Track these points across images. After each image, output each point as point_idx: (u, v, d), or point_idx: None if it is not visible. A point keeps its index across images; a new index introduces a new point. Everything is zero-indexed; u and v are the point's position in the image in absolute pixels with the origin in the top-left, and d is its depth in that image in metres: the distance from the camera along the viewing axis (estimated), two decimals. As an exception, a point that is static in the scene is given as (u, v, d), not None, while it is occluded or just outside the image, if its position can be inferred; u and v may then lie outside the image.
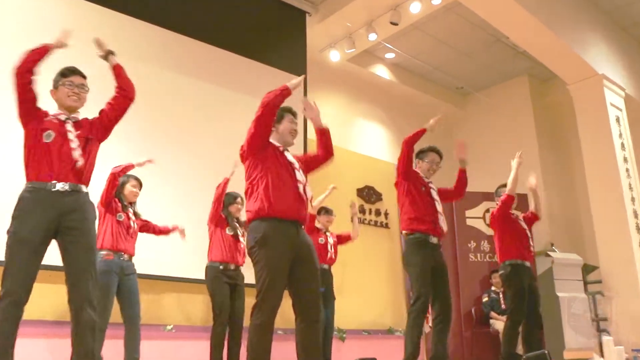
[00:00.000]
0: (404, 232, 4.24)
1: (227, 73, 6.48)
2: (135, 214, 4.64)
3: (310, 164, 3.41)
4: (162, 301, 5.58)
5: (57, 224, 2.79)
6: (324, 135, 3.40)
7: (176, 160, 5.83)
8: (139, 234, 4.68)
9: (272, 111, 3.10)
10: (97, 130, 3.05)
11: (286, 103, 3.29)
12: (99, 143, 3.09)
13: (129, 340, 4.31)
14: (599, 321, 7.10)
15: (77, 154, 2.88)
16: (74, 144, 2.89)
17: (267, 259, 2.94)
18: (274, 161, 3.10)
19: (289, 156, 3.22)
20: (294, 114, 3.32)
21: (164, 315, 5.56)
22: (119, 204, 4.51)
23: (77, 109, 3.04)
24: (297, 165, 3.19)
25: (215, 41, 6.45)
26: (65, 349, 4.19)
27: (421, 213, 4.14)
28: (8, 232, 2.76)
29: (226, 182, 5.05)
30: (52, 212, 2.78)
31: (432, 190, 4.26)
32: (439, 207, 4.21)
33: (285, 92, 3.12)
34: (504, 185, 5.13)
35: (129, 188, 4.59)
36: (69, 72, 3.02)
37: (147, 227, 4.74)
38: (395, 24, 7.09)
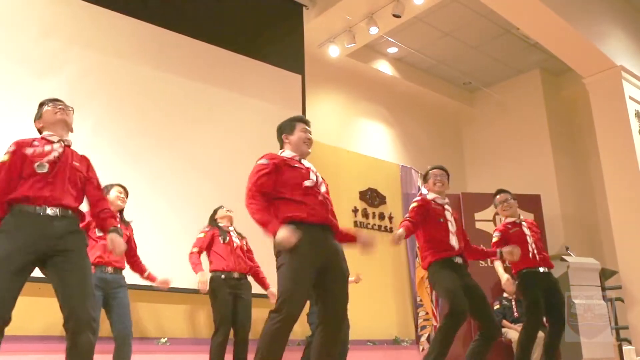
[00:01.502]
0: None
1: (220, 71, 6.37)
2: (123, 221, 4.42)
3: None
4: (155, 313, 5.45)
5: (45, 249, 2.72)
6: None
7: (168, 163, 5.73)
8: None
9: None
10: (85, 179, 3.03)
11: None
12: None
13: (118, 357, 4.15)
14: (619, 329, 6.83)
15: (51, 178, 2.83)
16: (55, 166, 2.86)
17: (291, 263, 2.89)
18: (288, 171, 3.10)
19: (305, 163, 3.23)
20: (306, 122, 3.32)
21: (158, 327, 5.43)
22: None
23: (68, 126, 3.06)
24: (314, 169, 3.20)
25: (207, 38, 6.34)
26: None
27: (440, 247, 4.09)
28: None
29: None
30: (40, 237, 2.73)
31: (446, 212, 4.21)
32: (452, 227, 4.16)
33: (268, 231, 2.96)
34: (495, 194, 5.03)
35: (113, 194, 4.37)
36: (48, 100, 3.08)
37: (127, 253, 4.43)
38: (398, 17, 6.92)
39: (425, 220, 4.11)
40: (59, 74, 5.14)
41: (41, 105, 3.07)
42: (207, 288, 4.74)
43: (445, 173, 4.36)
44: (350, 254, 6.66)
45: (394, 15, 6.88)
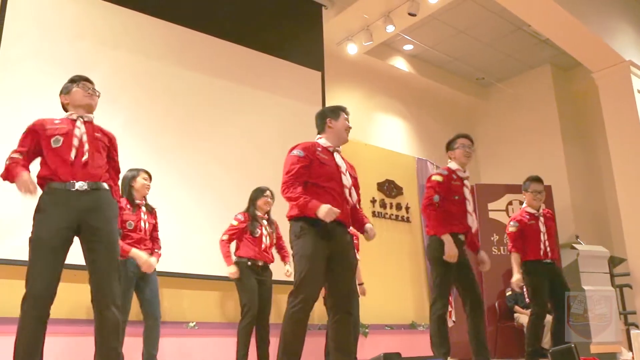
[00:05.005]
0: (429, 235, 4.19)
1: (243, 69, 6.47)
2: (147, 207, 4.54)
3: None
4: (184, 298, 5.60)
5: (78, 224, 2.80)
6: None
7: (193, 158, 5.84)
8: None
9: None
10: (108, 150, 3.09)
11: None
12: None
13: (147, 337, 4.32)
14: (627, 314, 7.01)
15: (74, 153, 2.88)
16: (76, 140, 2.90)
17: (304, 248, 3.02)
18: (317, 168, 3.16)
19: (338, 159, 3.28)
20: (348, 114, 3.40)
21: (186, 312, 5.57)
22: (129, 207, 4.39)
23: (92, 110, 3.08)
24: (344, 168, 3.26)
25: (230, 37, 6.46)
26: (84, 347, 4.29)
27: (451, 219, 4.08)
28: (30, 234, 2.78)
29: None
30: (72, 212, 2.79)
31: (465, 189, 4.17)
32: (470, 206, 4.14)
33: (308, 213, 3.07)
34: (532, 180, 4.93)
35: (140, 181, 4.46)
36: (80, 79, 3.09)
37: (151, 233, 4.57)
38: (413, 15, 7.04)
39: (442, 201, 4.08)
40: (91, 74, 4.90)
41: (72, 81, 3.07)
42: (237, 276, 4.82)
43: (472, 145, 4.30)
44: (370, 243, 6.78)
45: (410, 14, 6.99)
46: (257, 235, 4.92)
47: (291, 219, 3.18)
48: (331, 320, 3.10)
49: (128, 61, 5.60)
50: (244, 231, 4.95)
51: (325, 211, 2.97)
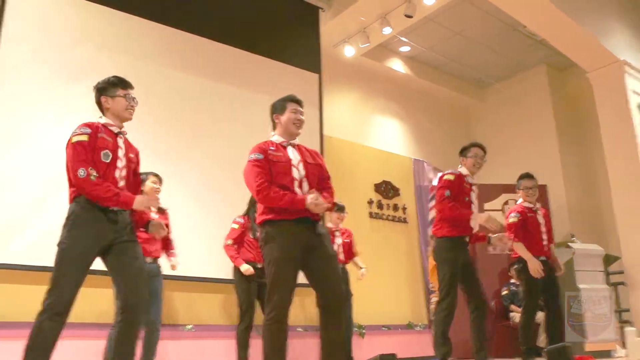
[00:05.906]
0: (435, 236, 4.30)
1: (241, 72, 6.51)
2: (160, 210, 4.57)
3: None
4: (181, 301, 5.62)
5: (110, 241, 2.81)
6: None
7: (191, 161, 5.88)
8: None
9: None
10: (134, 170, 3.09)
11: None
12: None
13: (147, 341, 4.33)
14: (621, 312, 7.04)
15: (119, 174, 2.89)
16: (121, 163, 2.91)
17: (271, 254, 2.95)
18: (271, 170, 3.04)
19: (290, 152, 3.10)
20: (298, 102, 3.18)
21: (183, 315, 5.61)
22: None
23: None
24: (295, 161, 3.06)
25: (228, 39, 6.50)
26: (88, 350, 4.33)
27: (459, 221, 4.19)
28: (60, 244, 2.73)
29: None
30: (109, 230, 2.80)
31: (472, 194, 4.31)
32: (475, 208, 4.27)
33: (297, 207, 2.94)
34: (523, 177, 5.06)
35: (149, 185, 4.46)
36: (125, 85, 3.01)
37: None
38: (410, 17, 7.06)
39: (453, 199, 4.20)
40: (90, 78, 5.07)
41: (116, 85, 2.97)
42: (252, 272, 4.87)
43: (485, 156, 4.43)
44: (368, 244, 6.76)
45: (406, 16, 6.99)
46: (256, 237, 4.96)
47: (259, 224, 3.08)
48: (320, 319, 2.98)
49: (128, 65, 5.61)
50: (244, 234, 5.03)
51: (310, 202, 2.89)
